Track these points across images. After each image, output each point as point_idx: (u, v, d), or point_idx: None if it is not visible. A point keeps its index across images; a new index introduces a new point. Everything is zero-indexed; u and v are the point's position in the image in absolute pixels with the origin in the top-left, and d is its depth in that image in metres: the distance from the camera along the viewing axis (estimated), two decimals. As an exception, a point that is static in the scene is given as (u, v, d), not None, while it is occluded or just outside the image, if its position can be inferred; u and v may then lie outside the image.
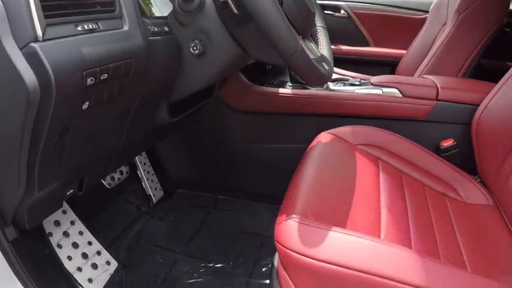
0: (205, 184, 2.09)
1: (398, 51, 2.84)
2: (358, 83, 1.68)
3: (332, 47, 2.82)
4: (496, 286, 0.87)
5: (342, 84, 1.69)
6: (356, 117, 1.64)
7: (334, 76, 1.88)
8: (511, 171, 1.26)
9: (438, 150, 1.58)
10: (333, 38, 2.93)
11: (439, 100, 1.59)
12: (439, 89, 1.60)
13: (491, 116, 1.37)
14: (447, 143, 1.56)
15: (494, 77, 1.50)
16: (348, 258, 0.85)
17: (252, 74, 1.86)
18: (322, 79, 1.11)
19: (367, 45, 3.06)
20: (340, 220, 1.00)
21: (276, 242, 0.93)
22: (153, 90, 1.15)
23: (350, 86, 1.67)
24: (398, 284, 0.81)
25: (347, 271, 0.83)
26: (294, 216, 0.95)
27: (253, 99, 1.76)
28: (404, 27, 2.95)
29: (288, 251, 0.88)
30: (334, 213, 1.01)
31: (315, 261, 0.85)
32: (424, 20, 2.67)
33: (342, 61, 2.88)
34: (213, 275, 1.56)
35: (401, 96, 1.60)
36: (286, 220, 0.95)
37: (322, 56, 1.23)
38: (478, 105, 1.44)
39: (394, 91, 1.61)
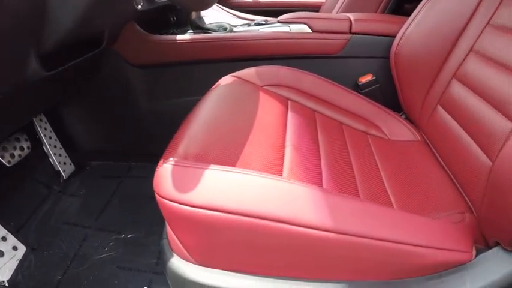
0: (117, 152, 1.91)
1: (317, 0, 2.71)
2: (264, 23, 1.52)
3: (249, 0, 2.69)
4: (422, 222, 0.77)
5: (247, 26, 1.53)
6: (264, 59, 1.48)
7: (241, 21, 1.71)
8: (437, 103, 1.17)
9: (357, 88, 1.45)
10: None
11: (352, 33, 1.46)
12: (352, 21, 1.47)
13: (408, 46, 1.25)
14: (365, 79, 1.44)
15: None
16: (228, 200, 0.70)
17: (153, 26, 1.68)
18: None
19: (288, -4, 2.90)
20: (229, 160, 0.84)
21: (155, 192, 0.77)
22: (12, 27, 0.94)
23: (255, 26, 1.51)
24: (297, 228, 0.67)
25: (227, 216, 0.68)
26: (171, 159, 0.80)
27: (151, 50, 1.58)
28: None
29: (163, 199, 0.74)
30: (222, 153, 0.86)
31: (189, 207, 0.71)
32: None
33: (260, 13, 2.75)
34: (124, 247, 1.44)
35: (311, 32, 1.45)
36: (162, 165, 0.80)
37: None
38: (395, 37, 1.32)
39: (303, 27, 1.46)
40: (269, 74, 1.27)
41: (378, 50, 1.44)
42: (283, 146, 0.96)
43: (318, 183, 0.88)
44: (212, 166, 0.77)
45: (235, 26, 1.63)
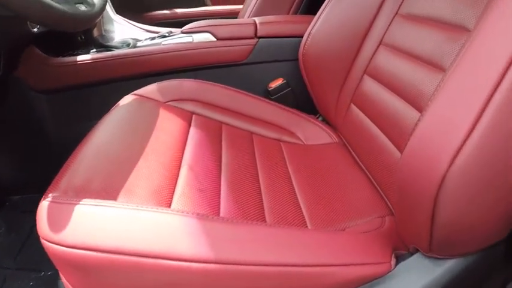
0: (34, 184, 1.80)
1: (236, 7, 2.67)
2: (167, 35, 1.44)
3: (166, 11, 2.62)
4: (330, 238, 0.71)
5: (150, 40, 1.45)
6: (170, 73, 1.40)
7: (150, 35, 1.63)
8: (350, 101, 1.12)
9: (268, 93, 1.40)
10: (167, 3, 2.75)
11: (259, 37, 1.40)
12: (258, 25, 1.41)
13: (316, 45, 1.20)
14: (276, 83, 1.38)
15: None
16: (100, 238, 0.62)
17: (59, 48, 1.58)
18: (70, 20, 0.95)
19: (205, 5, 2.86)
20: (113, 190, 0.76)
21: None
22: None
23: (159, 39, 1.43)
24: (176, 263, 0.60)
25: (102, 256, 0.61)
26: (50, 195, 0.72)
27: (54, 73, 1.47)
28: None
29: (40, 238, 0.67)
30: (106, 183, 0.77)
31: (61, 247, 0.64)
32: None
33: (178, 25, 2.69)
34: (45, 285, 1.33)
35: (215, 40, 1.39)
36: (41, 202, 0.72)
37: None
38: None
39: (207, 36, 1.39)
40: (172, 89, 1.20)
41: (286, 52, 1.39)
42: (178, 167, 0.89)
43: (214, 206, 0.80)
44: (87, 201, 0.70)
45: (140, 41, 1.55)
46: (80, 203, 0.69)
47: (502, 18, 0.55)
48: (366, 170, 1.02)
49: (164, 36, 1.43)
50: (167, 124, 1.04)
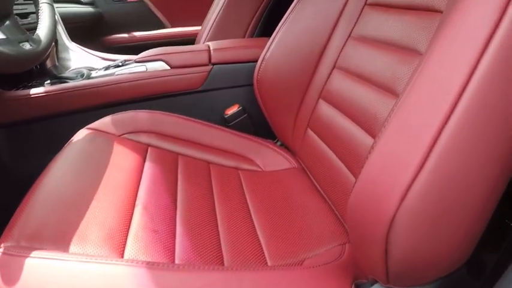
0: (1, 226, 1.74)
1: (194, 29, 2.66)
2: (121, 64, 1.42)
3: (125, 35, 2.59)
4: (280, 277, 0.69)
5: (104, 69, 1.42)
6: (125, 103, 1.38)
7: (105, 63, 1.60)
8: (306, 126, 1.12)
9: (225, 121, 1.38)
10: (126, 26, 2.72)
11: (213, 64, 1.38)
12: (212, 51, 1.39)
13: (270, 70, 1.19)
14: (232, 110, 1.37)
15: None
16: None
17: (13, 79, 1.54)
18: (15, 62, 0.94)
19: (164, 27, 2.83)
20: (65, 237, 0.74)
21: None
22: None
23: (113, 69, 1.40)
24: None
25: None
26: (2, 246, 0.70)
27: (8, 107, 1.43)
28: (198, 3, 2.77)
29: None
30: (58, 230, 0.75)
31: None
32: (218, -11, 2.49)
33: (137, 49, 2.66)
34: None
35: (169, 68, 1.37)
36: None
37: (27, 35, 1.06)
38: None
39: (161, 64, 1.37)
40: (126, 121, 1.17)
41: (241, 77, 1.38)
42: (132, 207, 0.86)
43: (169, 248, 0.78)
44: (38, 253, 0.67)
45: (95, 70, 1.52)
46: (31, 255, 0.66)
47: (452, 44, 0.54)
48: (324, 195, 1.01)
49: (118, 66, 1.40)
50: (121, 160, 1.02)
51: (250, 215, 0.94)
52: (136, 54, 2.46)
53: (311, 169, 1.09)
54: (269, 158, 1.19)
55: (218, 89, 1.39)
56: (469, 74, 0.50)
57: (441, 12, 0.77)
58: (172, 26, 2.84)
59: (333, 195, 0.97)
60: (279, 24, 1.20)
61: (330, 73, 1.09)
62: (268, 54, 1.19)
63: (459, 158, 0.51)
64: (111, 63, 1.54)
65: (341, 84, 1.03)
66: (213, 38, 1.84)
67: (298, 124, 1.16)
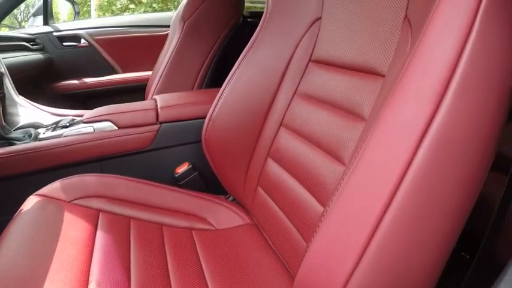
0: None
1: (145, 74, 2.66)
2: (68, 124, 1.40)
3: (75, 81, 2.57)
4: None
5: (52, 130, 1.40)
6: (74, 165, 1.35)
7: (54, 118, 1.58)
8: (257, 184, 1.12)
9: (176, 180, 1.37)
10: (77, 71, 2.70)
11: (161, 123, 1.38)
12: (159, 110, 1.39)
13: (217, 129, 1.19)
14: (182, 169, 1.36)
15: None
16: None
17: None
18: None
19: (115, 73, 2.82)
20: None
21: None
22: None
23: (61, 130, 1.38)
24: None
25: None
26: None
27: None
28: (149, 47, 2.77)
29: None
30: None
31: None
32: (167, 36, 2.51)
33: (89, 95, 2.64)
34: None
35: (117, 128, 1.36)
36: None
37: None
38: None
39: (108, 125, 1.36)
40: (76, 186, 1.15)
41: (190, 135, 1.38)
42: (86, 284, 0.85)
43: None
44: None
45: (43, 127, 1.50)
46: None
47: (392, 127, 0.55)
48: (277, 253, 1.01)
49: (66, 126, 1.38)
50: (73, 230, 1.00)
51: (206, 280, 0.93)
52: (88, 102, 2.45)
53: (263, 226, 1.09)
54: (222, 216, 1.18)
55: (167, 147, 1.38)
56: (408, 161, 0.51)
57: (383, 76, 0.79)
58: (124, 71, 2.82)
59: (285, 253, 0.97)
60: (225, 82, 1.20)
61: (277, 131, 1.10)
62: (215, 113, 1.19)
63: (406, 233, 0.52)
64: (60, 119, 1.51)
65: (288, 143, 1.04)
66: (162, 88, 1.85)
67: (248, 182, 1.16)
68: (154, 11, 16.88)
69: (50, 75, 2.68)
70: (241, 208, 1.21)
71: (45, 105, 2.50)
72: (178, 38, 1.89)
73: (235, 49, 2.02)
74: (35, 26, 2.89)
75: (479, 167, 0.54)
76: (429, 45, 0.54)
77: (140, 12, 16.94)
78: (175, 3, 16.51)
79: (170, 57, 1.87)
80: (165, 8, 16.88)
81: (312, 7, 1.08)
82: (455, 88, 0.50)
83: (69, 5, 4.01)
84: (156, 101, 1.47)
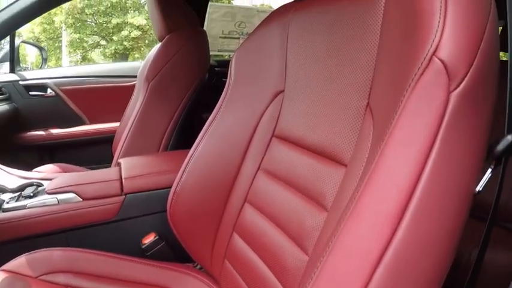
0: None
1: (112, 125, 2.65)
2: (32, 194, 1.38)
3: (41, 132, 2.54)
4: None
5: (15, 200, 1.38)
6: (39, 237, 1.33)
7: (20, 181, 1.56)
8: (224, 257, 1.12)
9: (143, 251, 1.36)
10: (43, 122, 2.67)
11: (126, 194, 1.37)
12: (123, 181, 1.39)
13: (182, 203, 1.19)
14: (149, 239, 1.35)
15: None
16: None
17: None
18: None
19: (82, 123, 2.80)
20: None
21: None
22: None
23: (25, 200, 1.36)
24: None
25: None
26: None
27: None
28: (117, 97, 2.77)
29: None
30: None
31: None
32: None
33: (56, 147, 2.66)
34: None
35: (81, 200, 1.35)
36: None
37: None
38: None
39: (72, 196, 1.35)
40: (42, 261, 1.14)
41: (155, 205, 1.37)
42: None
43: None
44: None
45: (7, 191, 1.47)
46: None
47: (356, 230, 0.57)
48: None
49: (30, 197, 1.36)
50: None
51: None
52: (55, 153, 2.43)
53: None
54: (189, 286, 1.18)
55: (133, 217, 1.37)
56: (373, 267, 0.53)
57: (345, 166, 0.81)
58: (91, 121, 2.81)
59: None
60: (190, 153, 1.21)
61: (242, 206, 1.11)
62: (179, 187, 1.19)
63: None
64: (25, 182, 1.49)
65: (253, 219, 1.05)
66: (128, 150, 1.84)
67: (215, 255, 1.16)
68: (125, 48, 16.95)
69: (16, 125, 2.64)
70: (210, 277, 1.20)
71: (10, 160, 2.48)
72: (143, 99, 1.89)
73: (202, 105, 2.05)
74: (1, 73, 2.87)
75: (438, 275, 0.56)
76: (388, 165, 0.56)
77: (111, 50, 16.98)
78: (146, 41, 16.61)
79: (135, 118, 1.87)
80: (135, 45, 16.97)
81: (274, 79, 1.10)
82: (412, 212, 0.53)
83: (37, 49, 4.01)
84: (120, 168, 1.47)
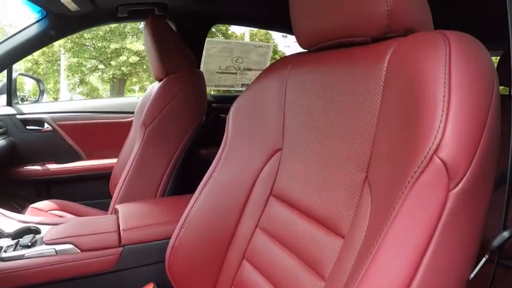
0: None
1: (110, 161, 2.66)
2: (30, 244, 1.38)
3: (38, 167, 2.54)
4: None
5: (13, 248, 1.38)
6: (38, 287, 1.33)
7: (17, 225, 1.56)
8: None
9: (142, 302, 1.36)
10: (41, 156, 2.67)
11: (124, 245, 1.38)
12: (121, 232, 1.39)
13: (180, 257, 1.19)
14: (147, 290, 1.35)
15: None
16: None
17: None
18: None
19: (79, 158, 2.79)
20: None
21: None
22: None
23: (22, 250, 1.36)
24: None
25: None
26: None
27: None
28: (114, 133, 2.77)
29: None
30: None
31: None
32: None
33: (53, 182, 2.66)
34: None
35: (79, 251, 1.35)
36: None
37: None
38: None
39: (70, 247, 1.35)
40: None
41: (154, 255, 1.37)
42: None
43: None
44: None
45: (4, 236, 1.47)
46: None
47: None
48: None
49: (28, 246, 1.36)
50: None
51: None
52: (52, 188, 2.43)
53: None
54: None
55: (131, 268, 1.37)
56: None
57: (343, 237, 0.82)
58: (88, 157, 2.80)
59: None
60: (188, 208, 1.21)
61: (240, 263, 1.11)
62: (177, 242, 1.19)
63: None
64: (22, 227, 1.49)
65: (251, 277, 1.06)
66: (125, 194, 1.84)
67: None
68: (123, 74, 17.06)
69: (13, 159, 2.63)
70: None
71: (7, 194, 2.49)
72: (140, 144, 1.88)
73: (200, 146, 2.06)
74: (-2, 106, 2.86)
75: None
76: (382, 265, 0.57)
77: (109, 75, 17.05)
78: (144, 66, 16.70)
79: (132, 162, 1.87)
80: (133, 70, 17.10)
81: (272, 136, 1.11)
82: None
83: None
84: (118, 217, 1.47)
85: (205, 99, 2.12)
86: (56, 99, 19.45)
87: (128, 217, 1.49)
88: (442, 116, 0.55)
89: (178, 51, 2.06)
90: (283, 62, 1.14)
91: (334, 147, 0.89)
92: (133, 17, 2.41)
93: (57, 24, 2.27)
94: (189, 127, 1.96)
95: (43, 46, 2.49)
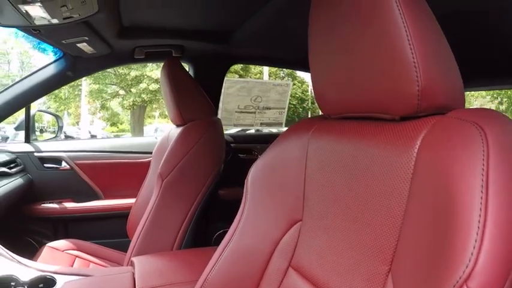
0: None
1: (128, 201, 2.64)
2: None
3: (56, 206, 2.53)
4: None
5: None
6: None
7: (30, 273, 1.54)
8: None
9: None
10: (58, 194, 2.67)
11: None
12: (136, 280, 1.37)
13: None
14: None
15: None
16: None
17: None
18: None
19: (97, 198, 2.78)
20: None
21: None
22: None
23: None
24: None
25: None
26: None
27: None
28: (132, 173, 2.76)
29: None
30: None
31: None
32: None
33: (70, 220, 2.66)
34: None
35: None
36: None
37: None
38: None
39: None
40: None
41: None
42: None
43: None
44: None
45: (20, 285, 1.45)
46: None
47: None
48: None
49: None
50: None
51: None
52: (69, 226, 2.42)
53: None
54: None
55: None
56: None
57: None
58: (105, 196, 2.79)
59: None
60: (203, 275, 1.16)
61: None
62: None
63: None
64: (38, 276, 1.47)
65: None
66: (141, 246, 1.82)
67: None
68: (143, 101, 17.22)
69: (30, 196, 2.63)
70: None
71: (24, 231, 2.47)
72: (157, 195, 1.86)
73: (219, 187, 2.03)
74: (16, 142, 2.86)
75: None
76: None
77: (129, 102, 17.22)
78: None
79: (149, 214, 1.85)
80: (153, 98, 17.24)
81: (292, 205, 1.07)
82: None
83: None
84: (133, 273, 1.45)
85: (223, 147, 2.10)
86: (77, 123, 19.65)
87: (145, 275, 1.45)
88: (476, 241, 0.52)
89: (195, 100, 2.05)
90: (305, 126, 1.10)
91: (358, 232, 0.84)
92: (150, 58, 2.41)
93: (74, 65, 2.29)
94: (208, 175, 1.94)
95: (61, 86, 2.51)
